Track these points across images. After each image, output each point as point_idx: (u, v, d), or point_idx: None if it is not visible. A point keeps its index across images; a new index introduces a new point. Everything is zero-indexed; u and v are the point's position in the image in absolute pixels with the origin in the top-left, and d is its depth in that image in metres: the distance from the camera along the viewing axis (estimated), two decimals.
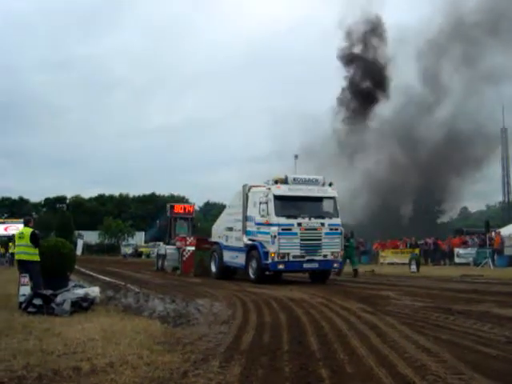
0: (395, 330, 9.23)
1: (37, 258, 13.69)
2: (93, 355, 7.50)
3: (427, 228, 68.02)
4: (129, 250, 74.80)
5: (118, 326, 9.86)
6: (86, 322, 10.57)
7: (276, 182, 21.14)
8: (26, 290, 12.79)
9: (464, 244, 38.85)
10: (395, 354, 7.41)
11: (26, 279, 13.02)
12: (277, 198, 20.70)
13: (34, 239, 13.72)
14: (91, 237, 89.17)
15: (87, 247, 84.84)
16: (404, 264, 35.19)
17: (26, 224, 14.61)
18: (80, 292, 13.16)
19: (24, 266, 13.63)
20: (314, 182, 21.63)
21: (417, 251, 39.08)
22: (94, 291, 13.71)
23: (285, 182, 21.21)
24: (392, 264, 41.54)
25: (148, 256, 64.51)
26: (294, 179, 21.43)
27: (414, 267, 29.60)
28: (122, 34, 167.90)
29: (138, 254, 73.19)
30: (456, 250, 38.42)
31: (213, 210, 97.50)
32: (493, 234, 36.44)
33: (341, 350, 7.73)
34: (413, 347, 7.81)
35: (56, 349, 7.89)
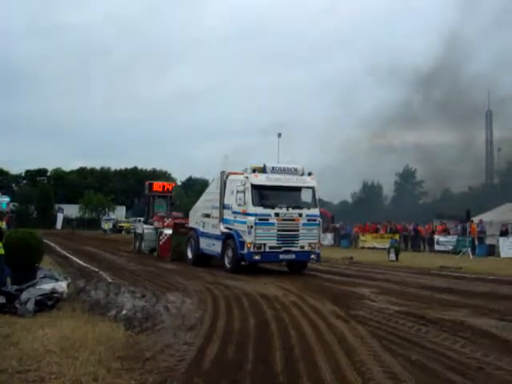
0: (364, 346, 8.95)
1: (1, 252, 13.27)
2: (46, 374, 7.19)
3: (409, 210, 68.31)
4: (108, 226, 74.19)
5: (79, 333, 9.51)
6: (49, 325, 10.22)
7: (254, 170, 20.77)
8: None
9: (445, 232, 38.77)
10: (360, 379, 7.16)
11: None
12: (254, 187, 20.37)
13: None
14: (72, 210, 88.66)
15: (67, 221, 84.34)
16: (383, 249, 35.10)
17: None
18: (46, 287, 12.74)
19: None
20: (293, 172, 21.28)
21: (397, 237, 39.09)
22: (62, 286, 13.31)
23: (263, 170, 20.86)
24: (372, 248, 41.55)
25: (128, 232, 64.14)
26: (273, 168, 21.07)
27: (392, 256, 29.49)
28: (110, 2, 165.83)
29: (118, 229, 72.71)
30: (436, 237, 38.38)
31: (195, 186, 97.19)
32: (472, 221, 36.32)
33: (305, 373, 7.45)
34: (380, 371, 7.53)
35: (10, 365, 7.53)
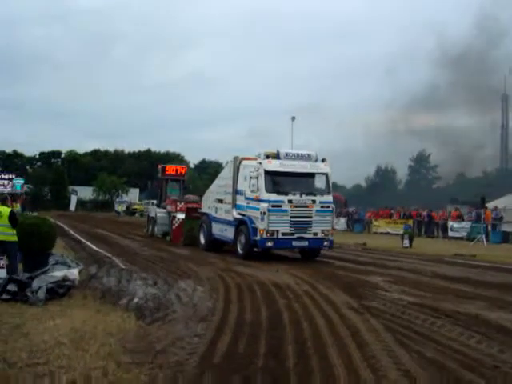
0: (377, 340, 8.82)
1: (15, 239, 13.26)
2: (56, 368, 7.11)
3: (423, 194, 67.90)
4: (122, 208, 74.16)
5: (90, 324, 9.47)
6: (59, 315, 10.19)
7: (267, 156, 20.59)
8: (1, 273, 12.40)
9: (459, 218, 38.38)
10: (373, 377, 7.04)
11: (1, 262, 12.61)
12: (268, 173, 20.19)
13: (13, 219, 13.27)
14: (85, 192, 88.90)
15: (81, 203, 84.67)
16: (397, 234, 34.95)
17: (3, 202, 14.04)
18: (58, 275, 12.70)
19: (1, 247, 13.16)
20: (307, 158, 21.08)
21: (410, 222, 38.87)
22: (73, 274, 13.26)
23: (276, 156, 20.68)
24: (385, 234, 41.34)
25: (141, 215, 64.15)
26: (286, 154, 20.87)
27: (406, 242, 29.27)
28: None
29: (131, 212, 72.74)
30: (450, 223, 38.06)
31: (208, 169, 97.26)
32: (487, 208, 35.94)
33: (317, 369, 7.32)
34: (393, 368, 7.41)
35: (20, 358, 7.47)
